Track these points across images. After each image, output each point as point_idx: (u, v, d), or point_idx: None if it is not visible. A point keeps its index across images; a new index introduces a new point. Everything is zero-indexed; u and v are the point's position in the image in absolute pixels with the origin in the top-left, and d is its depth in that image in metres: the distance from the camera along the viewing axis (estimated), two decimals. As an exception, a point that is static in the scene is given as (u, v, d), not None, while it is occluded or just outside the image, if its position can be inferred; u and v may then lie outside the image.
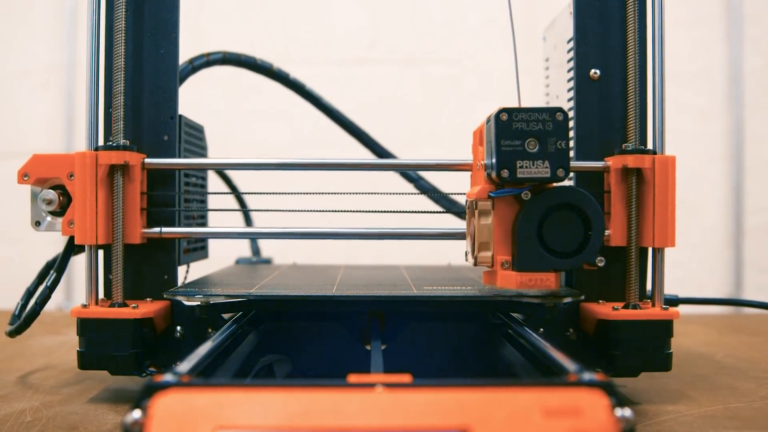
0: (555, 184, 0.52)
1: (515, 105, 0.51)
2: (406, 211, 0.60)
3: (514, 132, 0.50)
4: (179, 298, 0.54)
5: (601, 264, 0.53)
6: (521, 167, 0.50)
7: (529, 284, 0.52)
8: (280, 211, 0.60)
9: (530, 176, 0.50)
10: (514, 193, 0.51)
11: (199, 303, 0.54)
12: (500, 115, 0.50)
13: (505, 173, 0.50)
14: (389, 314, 0.59)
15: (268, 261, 0.92)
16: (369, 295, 0.55)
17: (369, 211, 0.59)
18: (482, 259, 0.53)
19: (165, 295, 0.55)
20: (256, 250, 0.94)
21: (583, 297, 0.56)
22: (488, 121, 0.52)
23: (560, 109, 0.50)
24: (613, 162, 0.56)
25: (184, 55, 0.64)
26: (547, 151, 0.50)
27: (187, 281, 0.68)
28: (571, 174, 0.61)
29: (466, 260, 0.55)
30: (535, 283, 0.52)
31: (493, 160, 0.51)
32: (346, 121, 0.79)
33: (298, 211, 0.60)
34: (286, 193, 0.59)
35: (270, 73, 0.75)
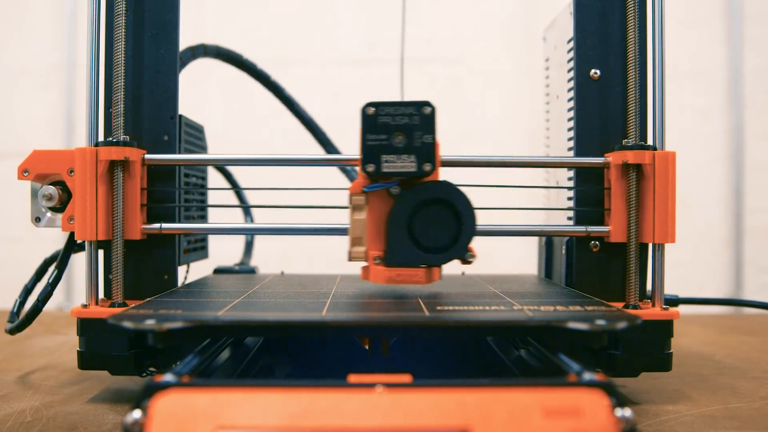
0: (428, 179, 0.52)
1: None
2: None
3: (380, 126, 0.50)
4: (126, 324, 0.41)
5: (471, 260, 0.52)
6: (386, 162, 0.50)
7: (397, 279, 0.52)
8: (279, 207, 0.60)
9: (396, 171, 0.50)
10: (385, 188, 0.51)
11: (151, 329, 0.41)
12: (367, 109, 0.50)
13: (370, 168, 0.50)
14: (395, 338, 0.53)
15: (252, 270, 0.81)
16: (368, 319, 0.45)
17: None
18: (355, 254, 0.52)
19: (110, 321, 0.42)
20: (247, 252, 0.89)
21: (640, 321, 0.44)
22: None
23: (427, 103, 0.50)
24: (613, 158, 0.56)
25: (184, 55, 0.64)
26: (413, 146, 0.50)
27: (187, 281, 0.68)
28: (570, 171, 0.62)
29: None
30: (404, 278, 0.52)
31: (360, 155, 0.50)
32: (320, 133, 0.80)
33: (299, 207, 0.60)
34: (285, 189, 0.59)
35: (252, 71, 0.75)
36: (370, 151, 0.50)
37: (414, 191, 0.51)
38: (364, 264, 0.54)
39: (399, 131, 0.50)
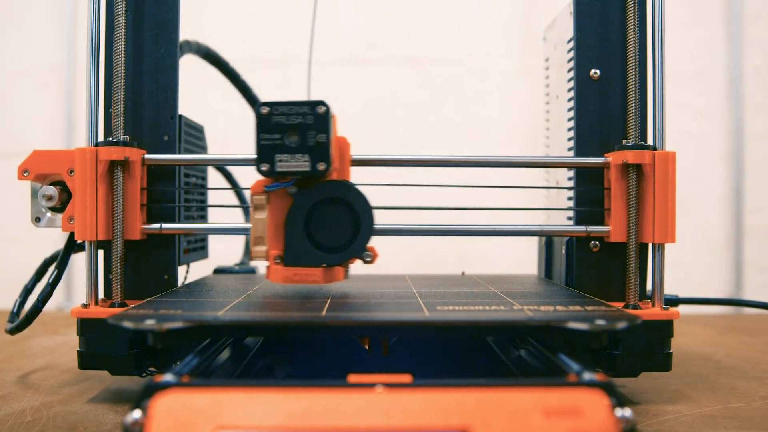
0: (329, 179, 0.52)
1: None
2: (398, 207, 0.60)
3: (274, 126, 0.50)
4: (126, 324, 0.41)
5: (369, 260, 0.52)
6: (281, 161, 0.50)
7: (295, 279, 0.52)
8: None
9: (290, 170, 0.50)
10: (284, 187, 0.51)
11: (151, 329, 0.41)
12: (261, 108, 0.50)
13: (264, 167, 0.50)
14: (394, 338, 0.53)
15: (252, 270, 0.81)
16: (368, 319, 0.45)
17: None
18: (257, 253, 0.52)
19: (110, 321, 0.42)
20: (247, 252, 0.88)
21: (640, 321, 0.44)
22: None
23: (322, 102, 0.50)
24: (613, 158, 0.56)
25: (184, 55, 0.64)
26: (307, 145, 0.50)
27: (187, 281, 0.68)
28: (570, 171, 0.62)
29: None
30: (301, 278, 0.52)
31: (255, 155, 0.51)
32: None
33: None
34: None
35: (224, 69, 0.75)
36: (264, 151, 0.50)
37: (311, 191, 0.51)
38: (267, 263, 0.54)
39: (293, 131, 0.50)
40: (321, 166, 0.50)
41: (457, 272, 0.77)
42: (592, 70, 0.59)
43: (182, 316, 0.44)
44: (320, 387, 0.34)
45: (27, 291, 0.61)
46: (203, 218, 0.73)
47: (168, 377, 0.36)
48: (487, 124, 1.41)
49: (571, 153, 0.60)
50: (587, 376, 0.37)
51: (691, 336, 0.87)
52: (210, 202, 0.75)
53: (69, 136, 1.46)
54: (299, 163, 0.50)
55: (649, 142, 0.57)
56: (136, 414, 0.33)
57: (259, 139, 0.50)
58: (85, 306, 0.53)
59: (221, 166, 0.83)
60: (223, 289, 0.59)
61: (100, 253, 0.55)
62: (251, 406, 0.33)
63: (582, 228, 0.57)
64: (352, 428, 0.33)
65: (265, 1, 1.46)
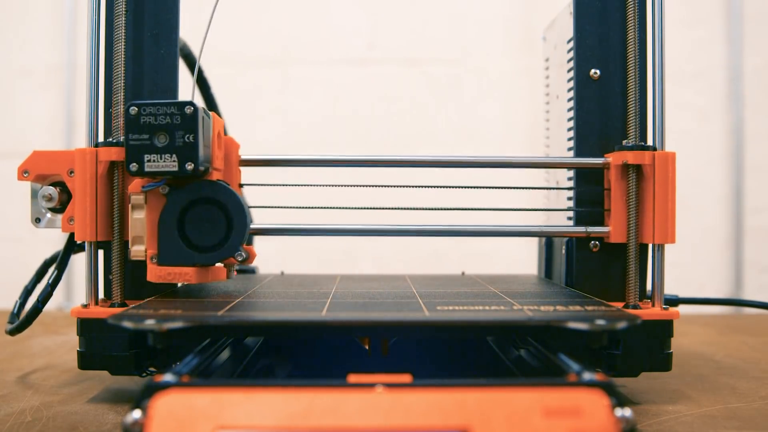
0: (205, 179, 0.52)
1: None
2: (398, 208, 0.60)
3: (142, 126, 0.50)
4: (126, 324, 0.42)
5: (240, 258, 0.52)
6: (149, 161, 0.50)
7: (168, 278, 0.52)
8: (278, 207, 0.60)
9: (159, 170, 0.50)
10: (156, 187, 0.52)
11: (151, 329, 0.41)
12: (130, 109, 0.50)
13: (134, 167, 0.50)
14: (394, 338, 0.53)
15: (252, 270, 0.81)
16: (368, 319, 0.45)
17: (364, 208, 0.59)
18: (135, 253, 0.52)
19: (110, 321, 0.43)
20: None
21: (640, 321, 0.44)
22: None
23: (190, 103, 0.50)
24: (613, 158, 0.56)
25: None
26: (175, 145, 0.50)
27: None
28: (570, 171, 0.62)
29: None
30: (174, 277, 0.52)
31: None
32: None
33: (298, 207, 0.60)
34: (285, 185, 0.59)
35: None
36: (133, 151, 0.50)
37: (184, 191, 0.51)
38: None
39: (161, 131, 0.50)
40: (189, 166, 0.50)
41: (457, 272, 0.77)
42: (592, 70, 0.59)
43: (182, 316, 0.44)
44: (320, 387, 0.34)
45: (27, 292, 0.61)
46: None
47: (168, 377, 0.36)
48: (487, 124, 1.41)
49: (571, 153, 0.60)
50: (587, 376, 0.37)
51: (691, 336, 0.87)
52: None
53: (69, 136, 1.46)
54: (167, 164, 0.50)
55: (649, 142, 0.57)
56: (136, 414, 0.33)
57: (127, 140, 0.50)
58: (85, 306, 0.53)
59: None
60: (223, 289, 0.59)
61: (100, 253, 0.55)
62: (251, 406, 0.33)
63: (582, 228, 0.57)
64: (352, 428, 0.33)
65: (266, 1, 1.46)
